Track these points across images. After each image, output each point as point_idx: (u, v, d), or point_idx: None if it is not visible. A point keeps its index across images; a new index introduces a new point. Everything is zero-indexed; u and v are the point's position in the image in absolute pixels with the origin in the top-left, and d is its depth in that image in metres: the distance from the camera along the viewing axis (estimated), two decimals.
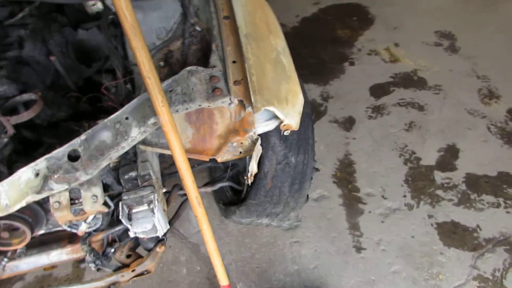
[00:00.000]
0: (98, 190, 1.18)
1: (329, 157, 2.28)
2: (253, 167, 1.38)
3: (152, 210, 1.30)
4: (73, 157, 1.11)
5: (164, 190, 1.52)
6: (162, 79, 1.21)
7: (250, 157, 1.45)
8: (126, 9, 0.82)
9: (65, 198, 1.14)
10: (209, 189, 1.77)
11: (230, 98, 1.13)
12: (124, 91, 1.48)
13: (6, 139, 1.24)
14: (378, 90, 2.66)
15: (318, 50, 3.06)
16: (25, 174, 1.07)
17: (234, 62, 1.19)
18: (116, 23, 1.60)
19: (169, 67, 1.38)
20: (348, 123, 2.47)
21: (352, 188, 2.11)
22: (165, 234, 1.69)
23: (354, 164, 2.23)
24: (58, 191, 1.10)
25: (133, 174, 1.38)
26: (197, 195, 1.18)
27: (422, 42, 3.00)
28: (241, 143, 1.36)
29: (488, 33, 2.97)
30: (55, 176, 1.08)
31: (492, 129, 2.31)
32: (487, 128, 2.32)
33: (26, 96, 1.28)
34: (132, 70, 1.51)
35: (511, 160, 2.14)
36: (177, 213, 1.78)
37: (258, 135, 1.35)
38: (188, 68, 1.18)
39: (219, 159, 1.38)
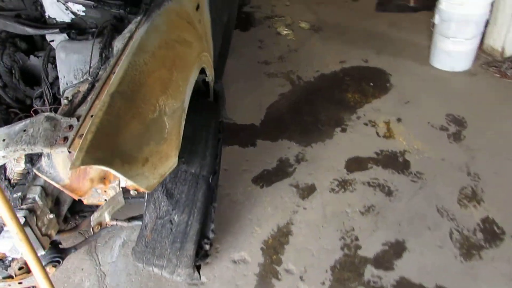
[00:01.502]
0: None
1: (271, 221, 2.22)
2: (101, 217, 1.42)
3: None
4: None
5: (51, 217, 1.59)
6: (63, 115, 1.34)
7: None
8: None
9: None
10: (125, 224, 1.82)
11: (67, 149, 1.20)
12: None
13: None
14: (355, 164, 2.52)
15: (319, 109, 3.01)
16: None
17: (92, 116, 1.26)
18: None
19: (70, 105, 1.49)
20: (307, 191, 2.37)
21: (275, 260, 2.02)
22: (61, 258, 1.78)
23: (291, 235, 2.13)
24: None
25: (18, 194, 1.50)
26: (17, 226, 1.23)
27: (428, 122, 2.79)
28: (105, 191, 1.42)
29: (502, 128, 2.66)
30: None
31: (455, 235, 2.05)
32: (449, 233, 2.07)
33: None
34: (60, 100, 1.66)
35: (458, 275, 1.88)
36: (85, 239, 1.87)
37: (122, 188, 1.40)
38: (47, 114, 1.28)
39: (85, 201, 1.45)
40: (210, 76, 2.10)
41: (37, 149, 1.22)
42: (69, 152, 1.20)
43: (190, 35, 1.78)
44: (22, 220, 1.42)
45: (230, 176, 2.49)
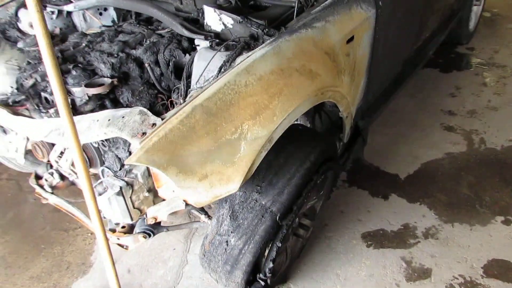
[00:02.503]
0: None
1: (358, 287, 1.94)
2: (158, 212, 1.51)
3: (109, 199, 1.63)
4: None
5: (147, 195, 1.77)
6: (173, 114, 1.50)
7: None
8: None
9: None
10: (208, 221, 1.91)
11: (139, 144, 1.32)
12: None
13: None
14: (498, 269, 1.95)
15: (486, 186, 2.44)
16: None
17: None
18: None
19: None
20: (418, 274, 1.97)
21: None
22: (152, 232, 1.98)
23: None
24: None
25: (127, 167, 1.75)
26: (95, 209, 1.42)
27: None
28: (173, 190, 1.50)
29: None
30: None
31: None
32: None
33: (105, 80, 1.84)
34: None
35: None
36: (178, 225, 2.04)
37: None
38: (140, 108, 1.43)
39: (159, 193, 1.58)
40: (344, 112, 1.96)
41: (123, 136, 1.39)
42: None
43: (321, 67, 1.69)
44: (117, 189, 1.65)
45: (342, 220, 2.29)
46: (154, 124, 1.37)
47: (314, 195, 1.94)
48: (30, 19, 2.42)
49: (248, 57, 1.53)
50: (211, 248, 1.62)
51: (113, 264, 1.62)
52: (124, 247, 1.95)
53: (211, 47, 1.77)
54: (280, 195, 1.55)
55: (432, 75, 3.67)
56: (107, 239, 1.59)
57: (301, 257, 2.09)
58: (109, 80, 1.84)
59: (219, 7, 1.91)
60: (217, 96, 1.38)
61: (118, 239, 1.93)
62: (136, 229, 1.93)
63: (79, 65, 1.92)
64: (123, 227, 1.96)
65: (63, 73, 1.93)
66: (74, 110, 1.85)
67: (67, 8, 2.36)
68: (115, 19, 2.52)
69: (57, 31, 2.37)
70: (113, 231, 1.94)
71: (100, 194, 1.67)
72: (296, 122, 2.11)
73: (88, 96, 1.82)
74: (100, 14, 2.50)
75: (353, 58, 1.92)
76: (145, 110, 1.44)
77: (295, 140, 1.72)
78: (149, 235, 1.92)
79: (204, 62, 1.68)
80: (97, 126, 1.49)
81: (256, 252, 1.54)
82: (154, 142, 1.26)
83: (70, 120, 1.28)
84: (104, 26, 2.42)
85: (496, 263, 1.98)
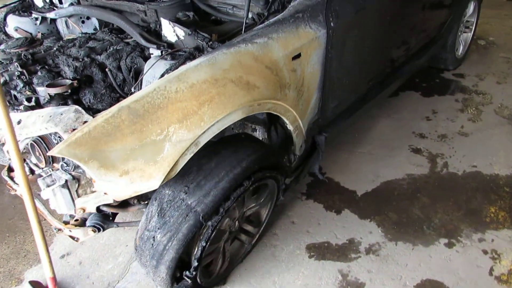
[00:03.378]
0: None
1: None
2: (86, 203, 1.62)
3: (53, 190, 1.75)
4: None
5: (94, 190, 1.89)
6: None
7: None
8: None
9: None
10: None
11: None
12: None
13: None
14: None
15: (439, 209, 2.47)
16: None
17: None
18: None
19: None
20: (352, 287, 2.02)
21: None
22: (102, 227, 2.08)
23: None
24: None
25: (74, 163, 1.87)
26: (31, 198, 1.55)
27: None
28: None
29: None
30: None
31: None
32: None
33: (66, 81, 1.98)
34: None
35: None
36: (129, 222, 2.15)
37: None
38: (76, 107, 1.57)
39: (94, 186, 1.69)
40: (291, 125, 2.05)
41: (57, 130, 1.52)
42: None
43: (260, 80, 1.78)
44: (62, 182, 1.77)
45: (291, 231, 2.36)
46: (86, 122, 1.50)
47: (252, 201, 2.03)
48: (15, 24, 2.64)
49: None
50: (141, 243, 1.72)
51: (47, 250, 1.73)
52: (75, 239, 2.05)
53: (161, 55, 1.90)
54: (206, 196, 1.64)
55: (413, 98, 3.73)
56: (41, 226, 1.70)
57: (244, 263, 2.17)
58: (69, 82, 1.98)
59: (177, 20, 2.05)
60: (146, 100, 1.49)
61: (70, 231, 2.04)
62: (87, 223, 2.05)
63: (46, 66, 2.08)
64: (76, 220, 2.08)
65: (31, 73, 2.09)
66: (40, 107, 2.00)
67: (50, 15, 2.55)
68: (97, 27, 2.69)
69: (39, 35, 2.55)
70: (67, 223, 2.05)
71: (48, 186, 1.80)
72: (247, 132, 2.23)
73: (50, 95, 1.96)
74: (83, 22, 2.68)
75: (301, 74, 2.01)
76: (80, 108, 1.57)
77: (232, 147, 1.82)
78: (99, 229, 2.02)
79: (151, 69, 1.81)
80: (40, 121, 1.62)
81: (179, 249, 1.63)
82: (77, 137, 1.38)
83: (5, 114, 1.41)
84: (83, 33, 2.60)
85: (429, 283, 2.02)
